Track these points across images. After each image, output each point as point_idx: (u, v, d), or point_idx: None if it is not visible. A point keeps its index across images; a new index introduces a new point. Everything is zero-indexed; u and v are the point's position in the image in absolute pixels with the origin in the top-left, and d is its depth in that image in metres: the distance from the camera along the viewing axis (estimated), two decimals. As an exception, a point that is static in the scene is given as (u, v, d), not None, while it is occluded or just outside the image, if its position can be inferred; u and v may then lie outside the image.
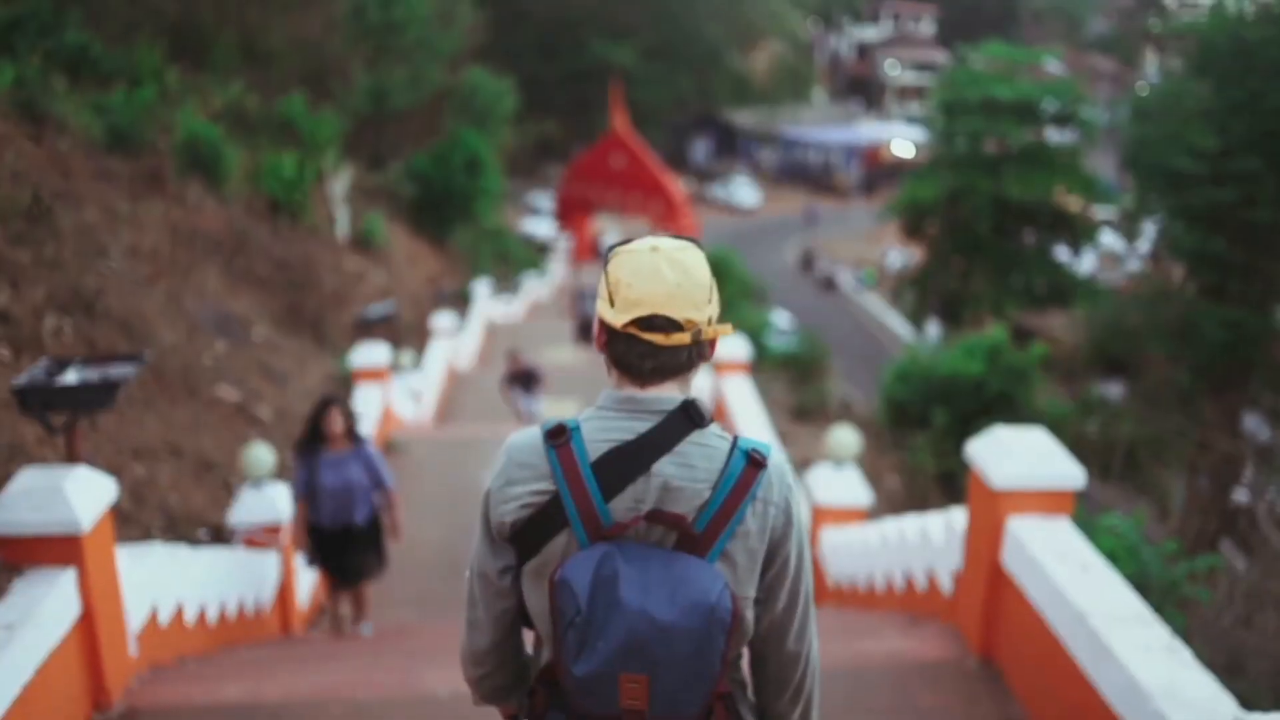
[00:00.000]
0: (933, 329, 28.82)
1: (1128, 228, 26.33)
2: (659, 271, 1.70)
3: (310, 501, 6.13)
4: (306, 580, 7.58)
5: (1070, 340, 24.50)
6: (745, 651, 1.91)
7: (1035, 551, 3.91)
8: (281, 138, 18.37)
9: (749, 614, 1.78)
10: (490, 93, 32.03)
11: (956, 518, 4.95)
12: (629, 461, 1.71)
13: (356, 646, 6.20)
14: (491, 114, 31.69)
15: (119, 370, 4.97)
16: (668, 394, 1.77)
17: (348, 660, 5.63)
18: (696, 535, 1.70)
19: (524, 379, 12.57)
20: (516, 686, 1.96)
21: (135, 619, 4.54)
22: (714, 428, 1.78)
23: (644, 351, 1.73)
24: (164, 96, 14.65)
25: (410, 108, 29.05)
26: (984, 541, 4.32)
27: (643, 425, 1.74)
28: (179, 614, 5.25)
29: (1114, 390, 22.80)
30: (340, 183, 20.30)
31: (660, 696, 1.64)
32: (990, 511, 4.24)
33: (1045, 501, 4.18)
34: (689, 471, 1.72)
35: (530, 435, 1.79)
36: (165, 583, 5.03)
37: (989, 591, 4.34)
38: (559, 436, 1.74)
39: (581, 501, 1.70)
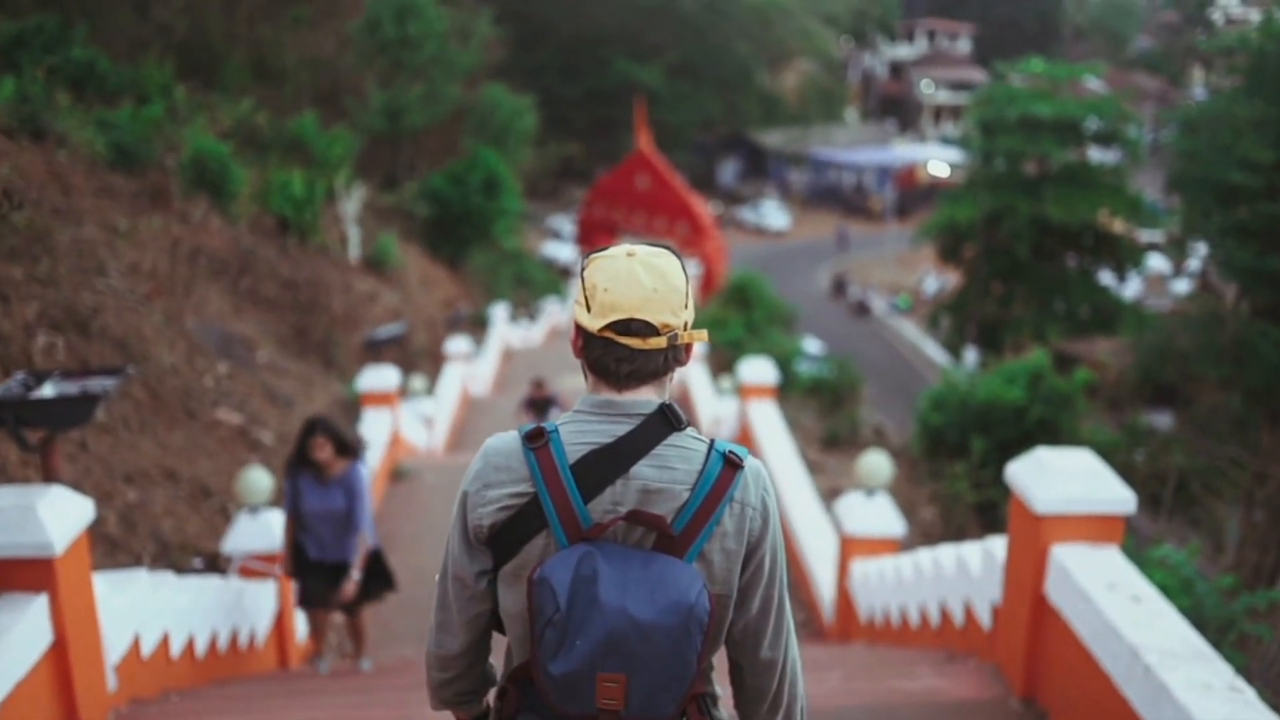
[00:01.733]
0: (970, 356, 28.24)
1: (1175, 249, 25.70)
2: (635, 276, 1.74)
3: (297, 523, 5.81)
4: (305, 611, 7.29)
5: (1116, 367, 23.84)
6: (719, 664, 1.91)
7: (1082, 581, 3.70)
8: (293, 156, 18.29)
9: (727, 615, 1.81)
10: (509, 110, 31.81)
11: (996, 546, 4.73)
12: (607, 464, 1.74)
13: (353, 681, 5.97)
14: (510, 132, 31.45)
15: (98, 384, 4.78)
16: (644, 398, 1.79)
17: (342, 695, 5.44)
18: (674, 536, 1.73)
19: (540, 406, 12.39)
20: (480, 692, 1.99)
21: (114, 649, 4.37)
22: (690, 430, 1.81)
23: (621, 355, 1.76)
24: (171, 113, 14.61)
25: (426, 126, 28.96)
26: (1026, 571, 4.11)
27: (620, 429, 1.76)
28: (164, 645, 5.05)
29: (1163, 420, 22.14)
30: (352, 202, 20.22)
31: (637, 696, 1.67)
32: (1033, 538, 4.02)
33: (1093, 527, 3.97)
34: (667, 473, 1.75)
35: (508, 438, 1.81)
36: (149, 612, 4.84)
37: (1032, 625, 4.14)
38: (537, 439, 1.77)
39: (560, 503, 1.72)
